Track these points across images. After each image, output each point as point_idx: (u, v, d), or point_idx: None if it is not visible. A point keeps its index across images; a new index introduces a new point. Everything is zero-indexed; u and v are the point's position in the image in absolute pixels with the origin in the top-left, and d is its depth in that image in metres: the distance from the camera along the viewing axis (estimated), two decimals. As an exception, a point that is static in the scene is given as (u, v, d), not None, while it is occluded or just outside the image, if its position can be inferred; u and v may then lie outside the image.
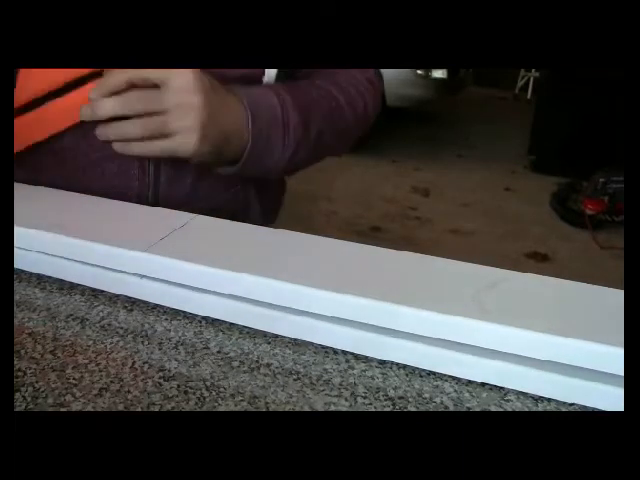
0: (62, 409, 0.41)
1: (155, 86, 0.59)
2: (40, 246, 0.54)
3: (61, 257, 0.54)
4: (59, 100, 0.63)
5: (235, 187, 0.75)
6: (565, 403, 0.43)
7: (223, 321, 0.51)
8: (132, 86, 0.59)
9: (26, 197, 0.61)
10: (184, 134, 0.60)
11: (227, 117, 0.62)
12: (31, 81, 0.62)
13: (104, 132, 0.61)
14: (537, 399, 0.44)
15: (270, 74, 0.71)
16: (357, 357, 0.47)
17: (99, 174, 0.67)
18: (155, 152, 0.61)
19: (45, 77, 0.62)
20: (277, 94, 0.67)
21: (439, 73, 3.44)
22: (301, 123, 0.68)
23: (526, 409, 0.43)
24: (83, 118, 0.61)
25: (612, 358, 0.41)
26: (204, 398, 0.42)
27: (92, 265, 0.53)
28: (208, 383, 0.44)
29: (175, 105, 0.59)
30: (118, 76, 0.59)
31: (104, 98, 0.59)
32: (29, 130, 0.64)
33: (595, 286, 0.49)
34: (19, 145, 0.64)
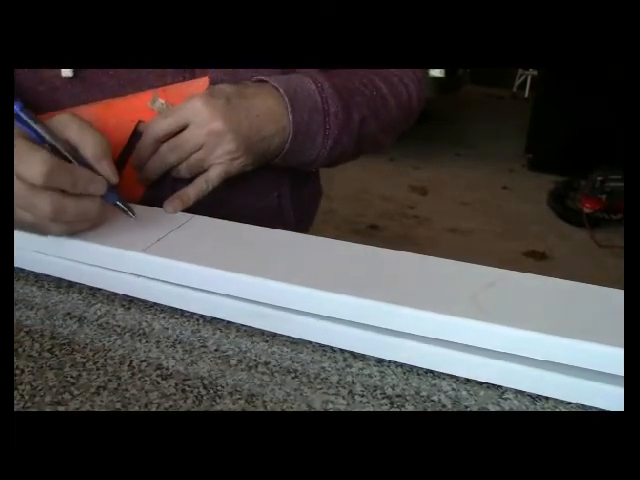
0: (60, 407, 0.41)
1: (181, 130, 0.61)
2: (38, 247, 0.54)
3: (59, 257, 0.54)
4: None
5: (270, 196, 0.74)
6: (563, 402, 0.44)
7: (221, 319, 0.51)
8: (162, 142, 0.61)
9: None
10: (224, 157, 0.61)
11: (261, 118, 0.62)
12: None
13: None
14: (535, 398, 0.44)
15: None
16: (355, 355, 0.47)
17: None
18: (215, 183, 0.62)
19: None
20: (315, 81, 0.65)
21: (436, 72, 3.44)
22: (342, 109, 0.66)
23: (524, 408, 0.43)
24: (143, 183, 0.64)
25: (610, 358, 0.41)
26: (202, 396, 0.42)
27: (90, 265, 0.53)
28: (206, 381, 0.44)
29: (205, 137, 0.60)
30: (146, 140, 0.61)
31: (146, 164, 0.62)
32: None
33: (593, 286, 0.49)
34: None
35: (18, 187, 0.49)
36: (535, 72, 4.46)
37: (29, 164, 0.48)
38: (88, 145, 0.52)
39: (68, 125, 0.53)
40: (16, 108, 0.51)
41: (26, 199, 0.49)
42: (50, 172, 0.48)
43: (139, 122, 0.64)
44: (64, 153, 0.51)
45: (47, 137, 0.51)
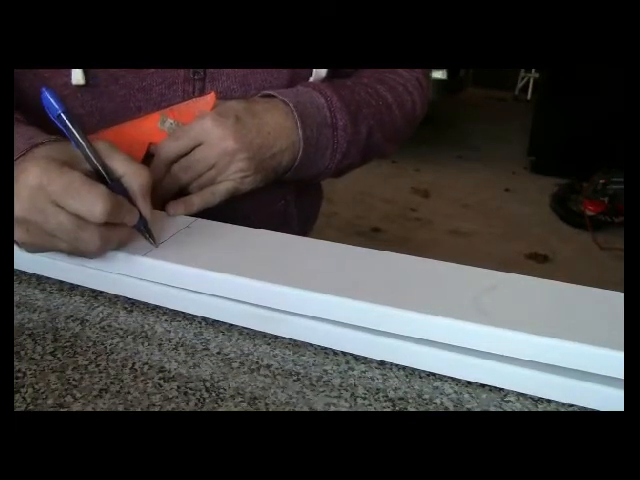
0: (62, 410, 0.41)
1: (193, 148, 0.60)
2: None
3: (61, 260, 0.54)
4: None
5: (276, 204, 0.74)
6: (565, 404, 0.44)
7: (223, 322, 0.51)
8: (174, 161, 0.61)
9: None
10: (236, 175, 0.61)
11: (272, 135, 0.61)
12: None
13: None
14: (537, 400, 0.44)
15: (320, 74, 0.70)
16: (357, 358, 0.47)
17: None
18: (222, 197, 0.62)
19: None
20: (324, 95, 0.65)
21: (439, 74, 3.43)
22: (350, 123, 0.66)
23: (526, 410, 0.43)
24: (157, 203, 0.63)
25: (611, 361, 0.41)
26: (204, 399, 0.42)
27: (92, 268, 0.53)
28: (208, 384, 0.44)
29: (216, 157, 0.60)
30: (158, 163, 0.60)
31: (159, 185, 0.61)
32: None
33: (595, 289, 0.49)
34: None
35: (65, 220, 0.46)
36: (537, 74, 4.45)
37: (89, 201, 0.45)
38: (137, 179, 0.50)
39: (111, 155, 0.50)
40: (67, 120, 0.50)
41: (75, 234, 0.47)
42: (111, 210, 0.46)
43: (150, 145, 0.63)
44: (106, 179, 0.49)
45: (93, 159, 0.49)
